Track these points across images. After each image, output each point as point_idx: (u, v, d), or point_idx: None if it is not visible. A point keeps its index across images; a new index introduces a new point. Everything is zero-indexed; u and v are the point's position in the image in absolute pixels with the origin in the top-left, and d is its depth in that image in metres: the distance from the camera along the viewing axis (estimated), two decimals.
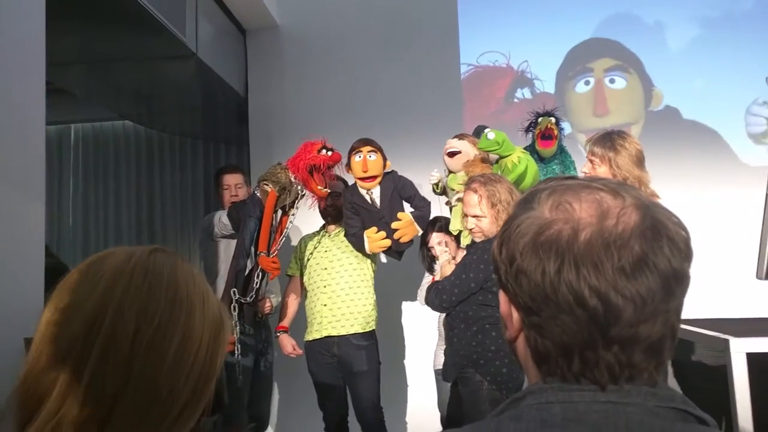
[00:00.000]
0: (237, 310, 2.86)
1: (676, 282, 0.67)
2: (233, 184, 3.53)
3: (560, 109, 3.44)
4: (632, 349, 0.67)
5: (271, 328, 3.49)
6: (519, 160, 2.78)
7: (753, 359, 1.65)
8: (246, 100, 4.60)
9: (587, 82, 4.34)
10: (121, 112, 5.30)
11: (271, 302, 3.40)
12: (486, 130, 2.85)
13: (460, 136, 3.09)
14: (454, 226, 3.00)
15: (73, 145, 5.68)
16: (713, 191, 3.96)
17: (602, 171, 2.45)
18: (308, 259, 3.33)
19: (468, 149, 3.00)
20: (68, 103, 4.70)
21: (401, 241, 3.09)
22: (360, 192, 3.14)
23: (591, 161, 2.49)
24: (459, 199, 2.84)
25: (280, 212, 2.99)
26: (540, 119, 3.33)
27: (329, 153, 2.90)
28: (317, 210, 3.36)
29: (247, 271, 2.95)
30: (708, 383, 2.01)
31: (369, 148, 3.08)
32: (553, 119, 3.29)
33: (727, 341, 1.68)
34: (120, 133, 5.65)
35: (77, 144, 5.69)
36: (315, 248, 3.34)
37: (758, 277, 1.82)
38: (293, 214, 3.01)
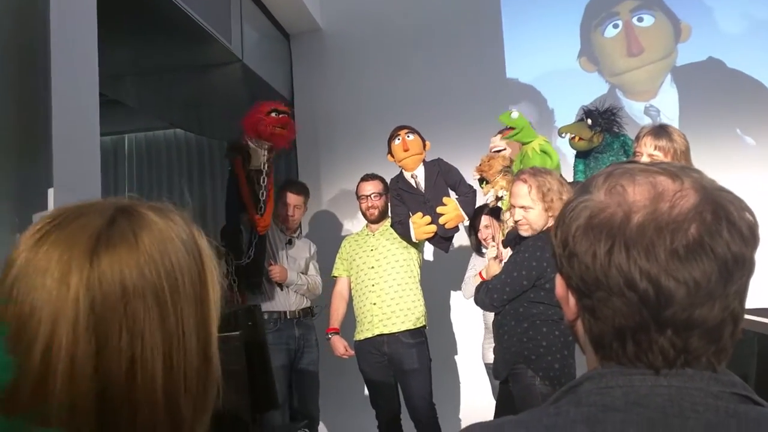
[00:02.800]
0: (233, 274, 3.10)
1: (736, 266, 0.65)
2: (293, 204, 3.56)
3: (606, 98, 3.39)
4: (688, 334, 0.66)
5: (310, 326, 3.52)
6: (539, 148, 2.75)
7: None
8: (292, 103, 4.66)
9: (615, 25, 4.35)
10: (172, 121, 5.45)
11: (282, 269, 3.40)
12: (512, 108, 2.82)
13: (504, 133, 3.07)
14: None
15: (127, 155, 5.87)
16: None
17: None
18: (354, 260, 3.35)
19: (512, 144, 2.98)
20: (122, 113, 4.87)
21: (447, 226, 3.10)
22: (405, 177, 3.18)
23: (651, 156, 2.43)
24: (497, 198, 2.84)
25: (264, 177, 3.19)
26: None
27: (279, 116, 3.12)
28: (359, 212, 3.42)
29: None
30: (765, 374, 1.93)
31: (406, 130, 3.16)
32: (589, 120, 3.24)
33: None
34: (171, 141, 5.81)
35: (131, 153, 5.88)
36: (360, 248, 3.37)
37: None
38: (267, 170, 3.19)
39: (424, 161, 3.20)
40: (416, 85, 4.38)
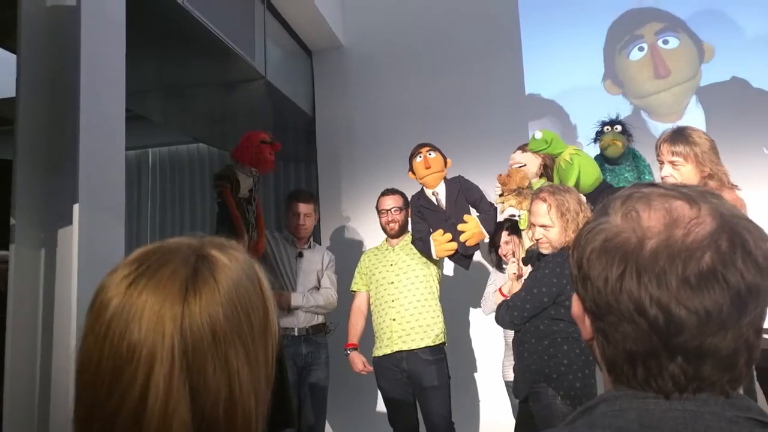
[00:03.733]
0: None
1: (750, 297, 0.64)
2: (303, 213, 3.57)
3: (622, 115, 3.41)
4: (699, 362, 0.65)
5: (320, 344, 3.50)
6: (571, 158, 2.67)
7: None
8: (313, 119, 4.70)
9: (641, 48, 4.33)
10: (196, 136, 5.53)
11: (288, 297, 3.40)
12: (534, 132, 2.82)
13: (524, 148, 3.07)
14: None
15: (150, 169, 5.96)
16: None
17: (687, 170, 2.31)
18: (374, 274, 3.35)
19: (532, 160, 2.98)
20: (146, 128, 4.95)
21: (467, 244, 3.09)
22: (426, 194, 3.19)
23: (672, 162, 2.34)
24: (513, 216, 2.83)
25: (253, 201, 3.33)
26: (606, 129, 3.34)
27: (272, 144, 3.30)
28: (379, 225, 3.41)
29: None
30: None
31: (427, 148, 3.17)
32: (619, 127, 3.29)
33: None
34: (194, 156, 5.89)
35: (155, 167, 5.97)
36: (380, 263, 3.37)
37: None
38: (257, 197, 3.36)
39: (445, 178, 3.20)
40: (436, 101, 4.40)
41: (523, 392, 2.50)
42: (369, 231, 4.42)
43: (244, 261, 0.74)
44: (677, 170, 2.33)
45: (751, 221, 0.68)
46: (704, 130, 4.00)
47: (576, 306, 0.76)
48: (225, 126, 5.20)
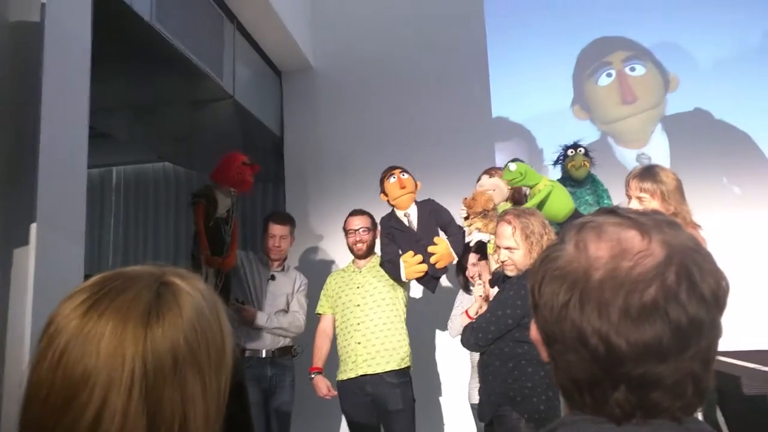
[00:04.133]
0: None
1: (692, 330, 0.65)
2: (278, 235, 3.56)
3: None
4: (644, 391, 0.66)
5: (286, 366, 3.47)
6: (544, 187, 2.76)
7: None
8: (282, 139, 4.70)
9: (609, 74, 4.46)
10: (161, 154, 5.47)
11: (251, 311, 3.38)
12: (508, 163, 2.86)
13: (491, 173, 3.11)
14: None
15: (114, 187, 5.86)
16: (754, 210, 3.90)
17: (653, 206, 2.40)
18: (340, 297, 3.33)
19: (500, 185, 3.01)
20: (111, 146, 4.88)
21: (437, 266, 3.10)
22: (397, 216, 3.19)
23: (639, 198, 2.45)
24: (481, 241, 2.85)
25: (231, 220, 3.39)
26: (570, 152, 3.43)
27: (252, 165, 3.36)
28: (346, 246, 3.40)
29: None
30: (752, 413, 1.95)
31: (399, 169, 3.19)
32: (582, 149, 3.39)
33: (766, 373, 1.63)
34: (160, 175, 5.81)
35: (119, 186, 5.87)
36: (347, 285, 3.35)
37: None
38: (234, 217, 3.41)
39: (415, 201, 3.22)
40: (404, 124, 4.44)
41: (487, 415, 2.50)
42: (336, 252, 4.40)
43: (205, 291, 0.74)
44: (643, 206, 2.43)
45: (703, 254, 0.69)
46: (668, 157, 4.17)
47: (533, 330, 0.76)
48: (191, 145, 5.16)
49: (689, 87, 4.31)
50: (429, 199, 3.25)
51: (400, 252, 3.17)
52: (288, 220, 3.67)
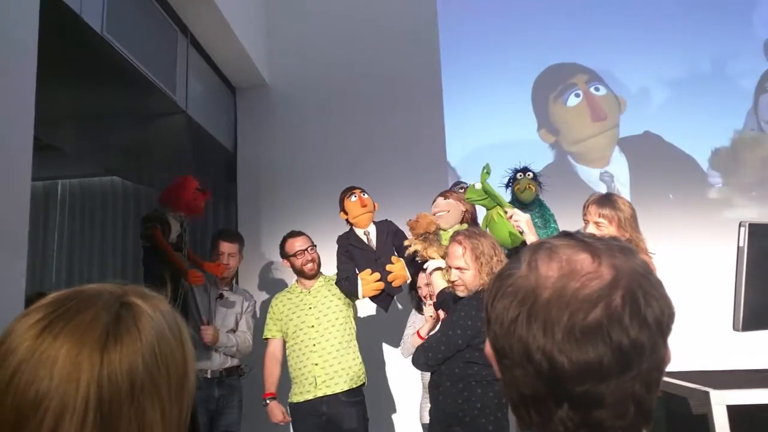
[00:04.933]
0: None
1: (634, 353, 0.67)
2: (227, 253, 3.52)
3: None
4: (586, 409, 0.68)
5: (234, 387, 3.42)
6: (498, 216, 2.81)
7: (733, 410, 1.66)
8: (235, 156, 4.65)
9: (577, 95, 4.59)
10: (110, 168, 5.33)
11: (214, 331, 3.34)
12: (474, 183, 2.91)
13: (446, 195, 3.15)
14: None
15: (59, 201, 5.68)
16: (692, 240, 4.05)
17: (610, 232, 2.51)
18: (291, 319, 3.29)
19: (455, 207, 3.05)
20: (56, 159, 4.73)
21: (393, 285, 3.13)
22: (356, 234, 3.20)
23: (597, 224, 2.55)
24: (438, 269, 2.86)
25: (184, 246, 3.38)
26: (519, 176, 3.50)
27: (205, 192, 3.40)
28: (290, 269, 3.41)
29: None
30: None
31: (360, 189, 3.22)
32: (530, 174, 3.47)
33: (707, 393, 1.69)
34: (107, 189, 5.66)
35: (64, 200, 5.69)
36: (296, 306, 3.31)
37: (734, 328, 1.83)
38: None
39: (373, 221, 3.23)
40: (358, 144, 4.46)
41: None
42: (288, 272, 4.36)
43: (167, 312, 0.72)
44: (600, 231, 2.53)
45: (651, 280, 0.71)
46: (627, 177, 4.32)
47: (487, 346, 0.78)
48: (141, 159, 5.05)
49: (638, 110, 4.50)
50: (387, 220, 3.28)
51: (357, 270, 3.17)
52: (237, 238, 3.64)
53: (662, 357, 0.70)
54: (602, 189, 4.38)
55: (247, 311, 3.57)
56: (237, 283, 3.89)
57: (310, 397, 3.13)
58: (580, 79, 4.60)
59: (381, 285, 3.11)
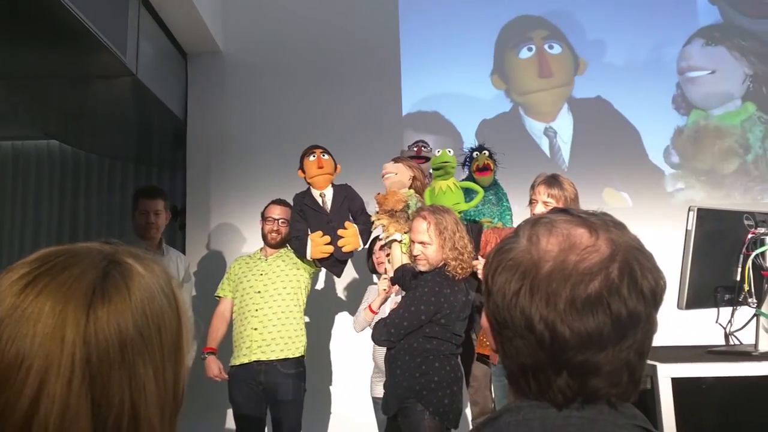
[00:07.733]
0: None
1: (630, 323, 0.71)
2: (151, 211, 3.31)
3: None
4: (584, 377, 0.71)
5: None
6: (446, 187, 2.98)
7: (677, 383, 1.75)
8: (185, 123, 4.50)
9: (530, 49, 4.73)
10: (47, 131, 5.08)
11: None
12: (448, 149, 3.10)
13: (396, 160, 3.18)
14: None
15: None
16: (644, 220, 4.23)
17: None
18: (242, 282, 3.28)
19: (403, 171, 3.07)
20: None
21: (344, 250, 3.12)
22: (312, 194, 3.18)
23: (545, 203, 2.68)
24: (394, 240, 2.90)
25: None
26: (476, 154, 3.55)
27: None
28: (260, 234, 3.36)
29: None
30: (638, 407, 2.11)
31: (321, 149, 3.18)
32: (487, 152, 3.53)
33: (654, 367, 1.77)
34: (44, 153, 5.42)
35: None
36: (250, 271, 3.31)
37: (678, 307, 1.93)
38: None
39: (333, 183, 3.21)
40: (314, 114, 4.40)
41: (392, 408, 2.52)
42: (235, 242, 4.29)
43: (161, 273, 0.69)
44: (547, 210, 2.60)
45: (645, 253, 0.75)
46: (570, 135, 4.46)
47: (484, 319, 0.80)
48: (83, 123, 4.83)
49: (595, 75, 4.64)
50: (346, 185, 3.26)
51: (309, 231, 3.15)
52: (160, 194, 3.43)
53: (654, 327, 0.75)
54: (545, 143, 4.57)
55: (185, 275, 3.45)
56: (180, 250, 3.77)
57: (245, 360, 3.13)
58: (537, 34, 4.71)
59: (330, 249, 3.10)
